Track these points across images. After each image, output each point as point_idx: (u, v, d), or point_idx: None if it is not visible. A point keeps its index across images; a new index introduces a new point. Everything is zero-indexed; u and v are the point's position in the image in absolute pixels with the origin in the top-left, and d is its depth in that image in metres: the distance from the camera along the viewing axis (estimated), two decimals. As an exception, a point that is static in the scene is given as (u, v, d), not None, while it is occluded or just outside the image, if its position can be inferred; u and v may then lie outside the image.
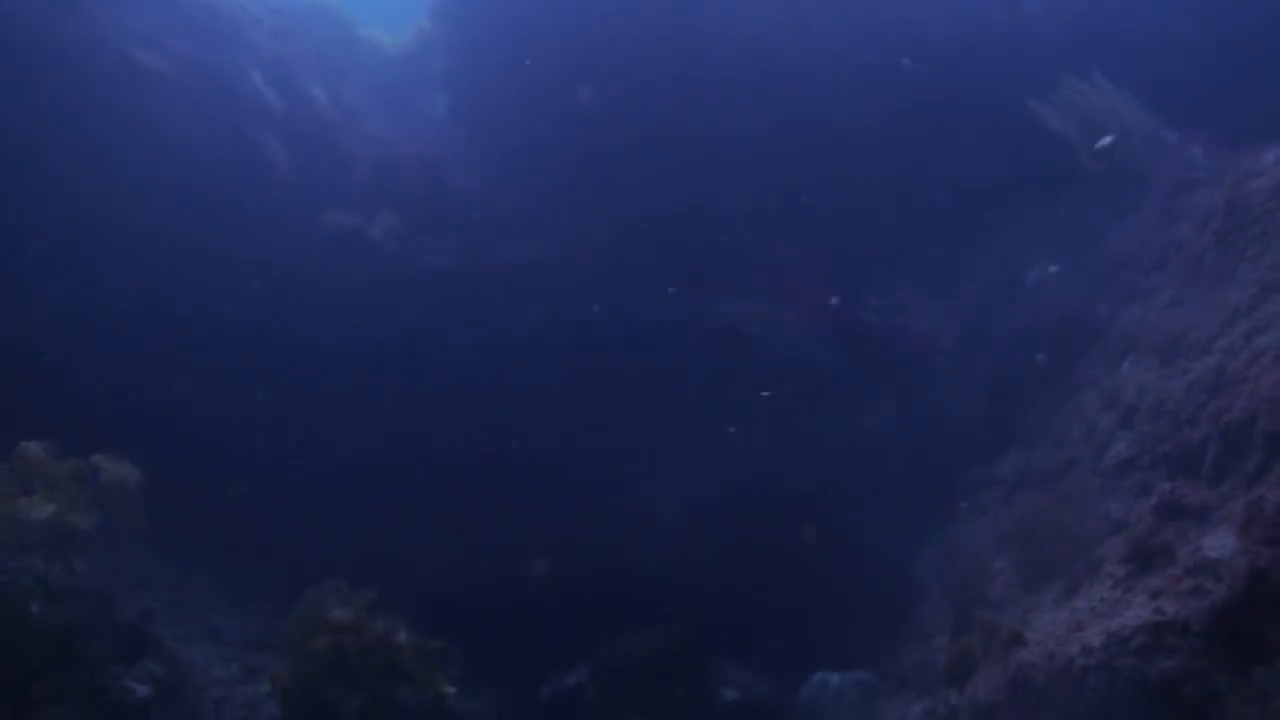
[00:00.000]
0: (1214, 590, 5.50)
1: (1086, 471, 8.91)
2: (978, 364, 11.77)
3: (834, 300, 12.25)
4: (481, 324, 12.52)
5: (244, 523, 11.65)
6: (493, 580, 11.42)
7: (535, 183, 13.66)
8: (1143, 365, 9.17)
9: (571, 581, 11.39)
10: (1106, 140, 11.05)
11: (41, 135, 11.15)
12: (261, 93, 12.05)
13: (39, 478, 8.99)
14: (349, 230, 12.25)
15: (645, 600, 11.29)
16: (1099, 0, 12.88)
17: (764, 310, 12.17)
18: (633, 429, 11.85)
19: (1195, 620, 5.48)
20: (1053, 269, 11.66)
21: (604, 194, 13.32)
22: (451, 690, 8.40)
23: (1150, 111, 11.42)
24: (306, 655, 8.09)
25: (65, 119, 11.26)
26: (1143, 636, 5.65)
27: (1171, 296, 9.53)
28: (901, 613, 10.86)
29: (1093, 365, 10.25)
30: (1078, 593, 7.19)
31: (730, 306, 12.62)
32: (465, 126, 14.56)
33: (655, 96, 13.23)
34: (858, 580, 11.14)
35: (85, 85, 11.19)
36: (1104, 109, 11.25)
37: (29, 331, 11.28)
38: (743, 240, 13.09)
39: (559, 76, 13.68)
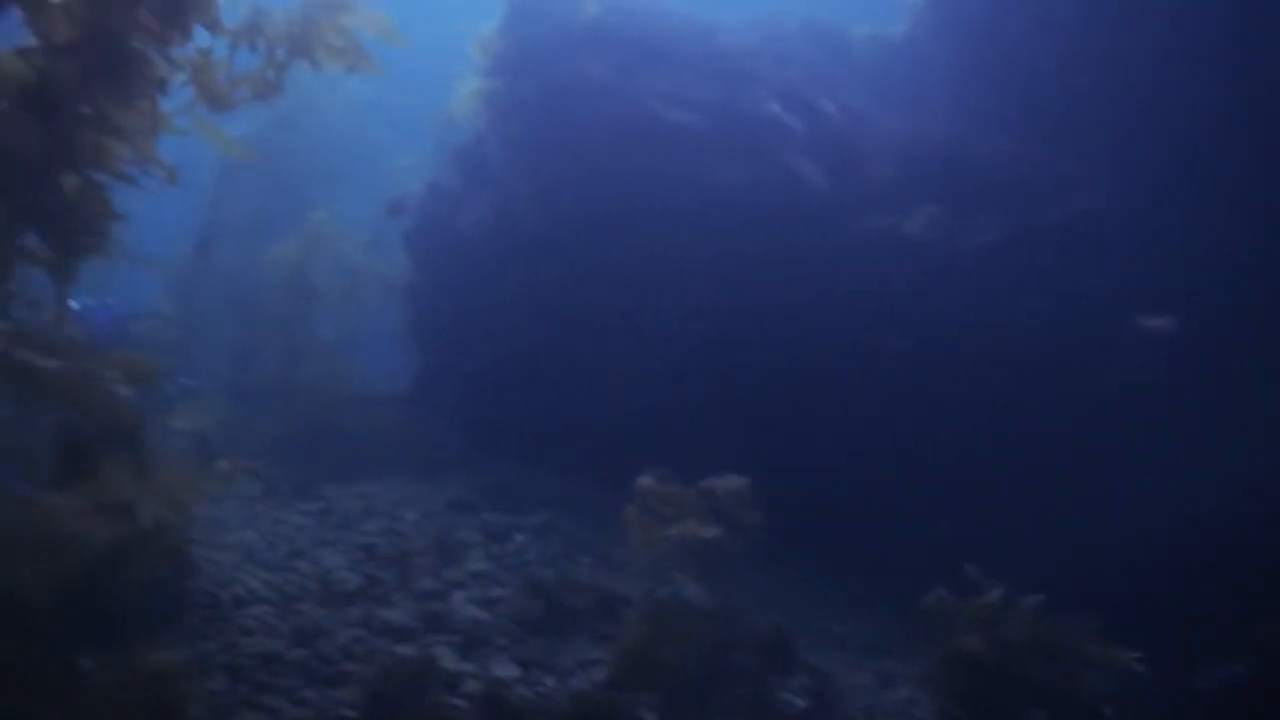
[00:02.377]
0: None
1: None
2: None
3: None
4: (1043, 291, 11.82)
5: (834, 528, 11.90)
6: (1099, 559, 10.62)
7: (1071, 139, 12.72)
8: None
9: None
10: None
11: (597, 200, 12.52)
12: (782, 118, 12.45)
13: (663, 506, 9.86)
14: (887, 229, 12.19)
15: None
16: None
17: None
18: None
19: None
20: None
21: (1150, 139, 12.06)
22: (1137, 654, 7.74)
23: None
24: (956, 655, 7.90)
25: (615, 182, 12.53)
26: None
27: None
28: None
29: None
30: None
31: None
32: (979, 97, 13.96)
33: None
34: None
35: (627, 148, 12.38)
36: None
37: (611, 375, 12.64)
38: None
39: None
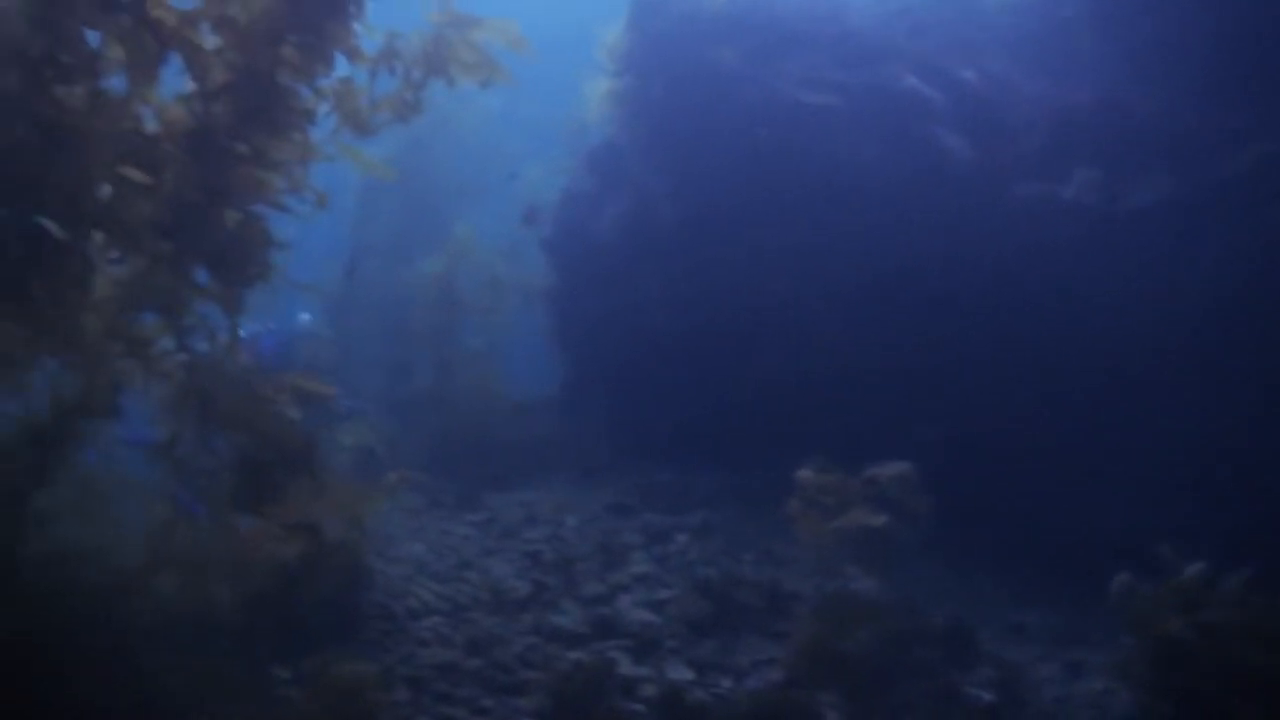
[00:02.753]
0: None
1: None
2: None
3: None
4: (1210, 254, 11.07)
5: (1000, 514, 11.41)
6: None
7: (1230, 91, 11.85)
8: None
9: None
10: None
11: (733, 190, 12.33)
12: (920, 91, 12.05)
13: (825, 497, 9.62)
14: (1041, 196, 11.62)
15: None
16: None
17: None
18: None
19: None
20: None
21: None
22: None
23: None
24: (1155, 642, 7.42)
25: (750, 170, 12.33)
26: None
27: None
28: None
29: None
30: None
31: None
32: (1126, 52, 13.15)
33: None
34: None
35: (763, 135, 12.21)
36: None
37: (755, 367, 12.42)
38: None
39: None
